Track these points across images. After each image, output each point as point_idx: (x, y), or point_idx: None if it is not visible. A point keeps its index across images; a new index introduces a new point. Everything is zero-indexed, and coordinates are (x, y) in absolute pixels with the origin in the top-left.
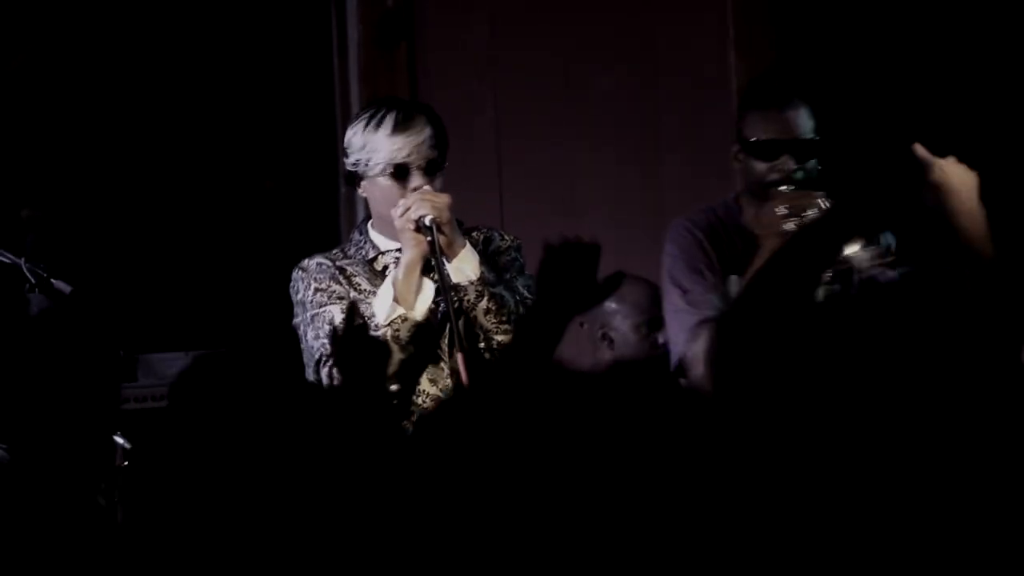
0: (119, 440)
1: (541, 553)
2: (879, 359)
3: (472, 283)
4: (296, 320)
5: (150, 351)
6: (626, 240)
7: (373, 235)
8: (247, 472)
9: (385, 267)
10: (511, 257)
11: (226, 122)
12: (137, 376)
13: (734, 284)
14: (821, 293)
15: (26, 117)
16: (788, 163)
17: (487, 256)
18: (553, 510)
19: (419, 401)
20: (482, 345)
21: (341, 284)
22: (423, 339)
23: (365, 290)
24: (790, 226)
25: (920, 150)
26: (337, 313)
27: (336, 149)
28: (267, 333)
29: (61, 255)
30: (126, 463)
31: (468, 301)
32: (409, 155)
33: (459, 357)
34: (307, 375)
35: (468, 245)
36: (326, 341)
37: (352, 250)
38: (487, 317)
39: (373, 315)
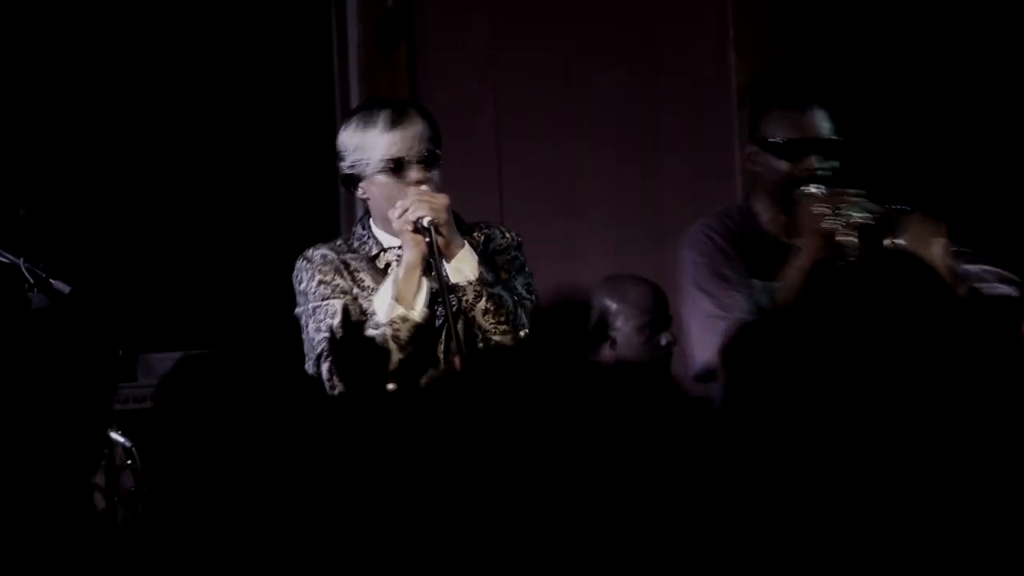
0: (120, 439)
1: (541, 553)
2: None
3: (471, 284)
4: (298, 310)
5: (150, 351)
6: (626, 240)
7: (375, 230)
8: (245, 470)
9: (387, 264)
10: (511, 256)
11: (226, 122)
12: (137, 376)
13: (758, 288)
14: None
15: (26, 117)
16: (813, 163)
17: (487, 255)
18: (553, 510)
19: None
20: (480, 345)
21: (344, 278)
22: (422, 339)
23: (368, 286)
24: (829, 225)
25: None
26: (340, 308)
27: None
28: (267, 333)
29: (60, 254)
30: (128, 462)
31: (466, 301)
32: (406, 148)
33: (456, 360)
34: (307, 366)
35: (467, 245)
36: (327, 336)
37: (356, 243)
38: (485, 318)
39: (374, 313)
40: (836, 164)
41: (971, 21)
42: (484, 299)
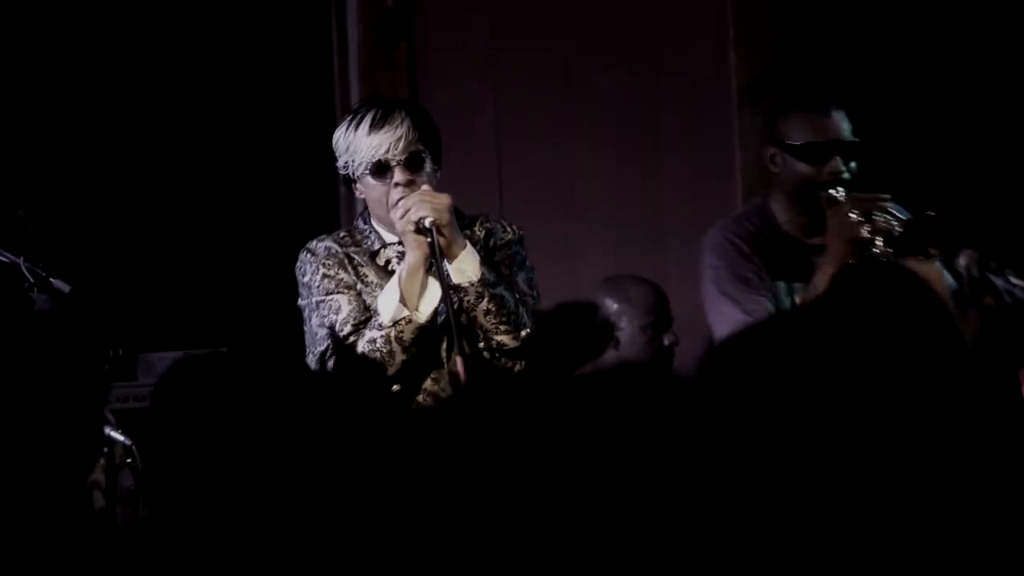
0: (120, 438)
1: (542, 552)
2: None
3: (472, 284)
4: (301, 302)
5: (150, 350)
6: (626, 240)
7: (376, 226)
8: (245, 470)
9: (388, 262)
10: (513, 251)
11: (226, 122)
12: (137, 375)
13: (781, 291)
14: None
15: (26, 117)
16: (835, 165)
17: (489, 250)
18: (554, 510)
19: (421, 400)
20: (481, 345)
21: (348, 272)
22: (426, 341)
23: (371, 282)
24: (862, 232)
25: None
26: (344, 304)
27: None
28: (267, 332)
29: (60, 253)
30: (128, 460)
31: (468, 302)
32: (387, 151)
33: (458, 361)
34: (308, 360)
35: (469, 246)
36: (331, 332)
37: (359, 237)
38: (487, 318)
39: (377, 314)
40: (855, 165)
41: (971, 21)
42: (486, 300)
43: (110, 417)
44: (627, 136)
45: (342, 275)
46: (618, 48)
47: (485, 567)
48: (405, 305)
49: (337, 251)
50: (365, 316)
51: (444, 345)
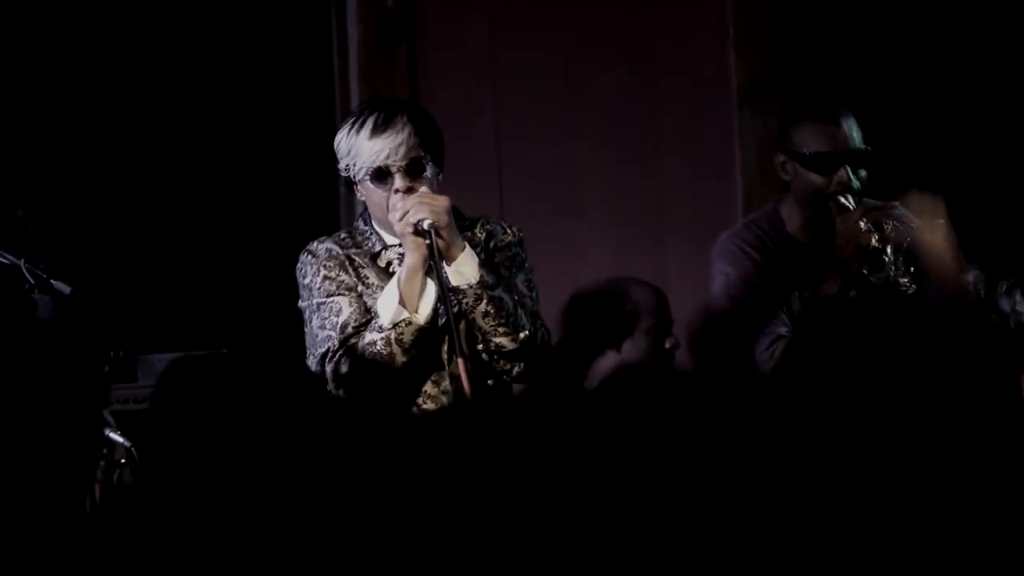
0: (119, 439)
1: (543, 552)
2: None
3: (471, 286)
4: (302, 303)
5: (150, 351)
6: (626, 240)
7: (377, 227)
8: (245, 470)
9: (389, 263)
10: (512, 252)
11: (226, 122)
12: (137, 376)
13: (796, 301)
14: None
15: (26, 117)
16: (845, 176)
17: (489, 251)
18: (555, 509)
19: (421, 402)
20: (480, 347)
21: (349, 274)
22: (426, 343)
23: (372, 283)
24: (872, 240)
25: (917, 196)
26: (345, 306)
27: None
28: (267, 333)
29: (60, 253)
30: (123, 461)
31: (467, 304)
32: (388, 157)
33: (459, 362)
34: (309, 361)
35: (467, 248)
36: (332, 334)
37: (359, 238)
38: (485, 320)
39: (377, 316)
40: (866, 173)
41: (972, 20)
42: (484, 302)
43: (109, 419)
44: (627, 136)
45: (343, 277)
46: (618, 48)
47: (482, 567)
48: (404, 307)
49: (338, 253)
50: (366, 318)
51: (445, 347)
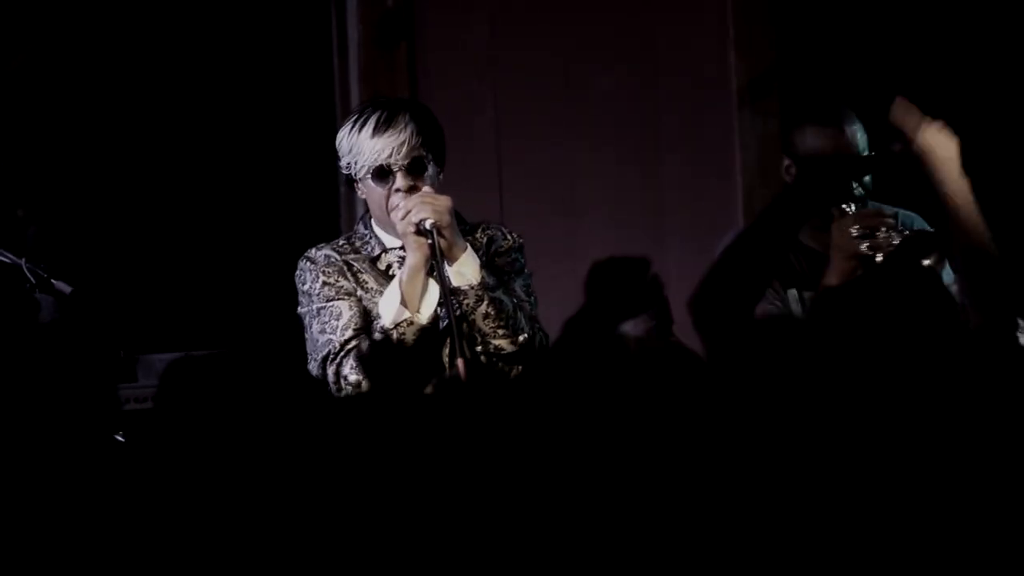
0: (119, 439)
1: (544, 553)
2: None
3: (472, 287)
4: (301, 309)
5: (150, 351)
6: (626, 240)
7: (377, 230)
8: (245, 470)
9: (389, 266)
10: (511, 258)
11: (226, 122)
12: (137, 376)
13: (792, 299)
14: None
15: (26, 117)
16: (847, 181)
17: (489, 256)
18: (556, 509)
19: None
20: (479, 349)
21: (348, 279)
22: (427, 343)
23: (371, 288)
24: (863, 247)
25: (902, 108)
26: (345, 310)
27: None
28: (267, 333)
29: (60, 254)
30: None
31: (467, 305)
32: (390, 156)
33: (459, 363)
34: (310, 367)
35: (469, 249)
36: (332, 338)
37: (358, 243)
38: (486, 321)
39: (378, 317)
40: (870, 178)
41: (972, 20)
42: (485, 303)
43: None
44: (627, 136)
45: (342, 282)
46: (618, 48)
47: (486, 566)
48: (406, 307)
49: (336, 259)
50: (366, 321)
51: (447, 350)
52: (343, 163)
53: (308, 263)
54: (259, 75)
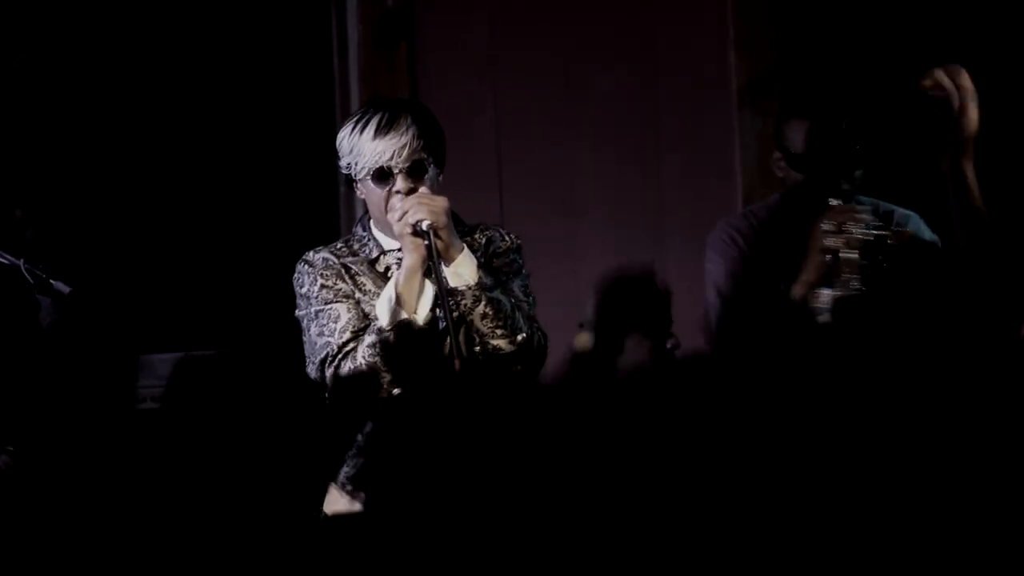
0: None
1: (544, 553)
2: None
3: (470, 288)
4: (299, 312)
5: (150, 351)
6: (626, 240)
7: (375, 232)
8: (245, 470)
9: (387, 268)
10: (510, 259)
11: (226, 122)
12: (137, 376)
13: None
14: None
15: (26, 117)
16: (830, 175)
17: (488, 257)
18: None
19: (422, 404)
20: (477, 349)
21: (346, 282)
22: (425, 344)
23: (369, 290)
24: (833, 242)
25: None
26: (343, 312)
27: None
28: (267, 333)
29: (59, 256)
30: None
31: (465, 306)
32: (391, 159)
33: (455, 364)
34: (309, 369)
35: (466, 249)
36: (330, 340)
37: (356, 246)
38: (483, 322)
39: (376, 318)
40: (858, 172)
41: (972, 20)
42: (483, 303)
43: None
44: (627, 136)
45: (340, 285)
46: (618, 48)
47: (481, 569)
48: (403, 308)
49: (334, 262)
50: (364, 324)
51: (445, 351)
52: (343, 163)
53: (306, 266)
54: (259, 75)
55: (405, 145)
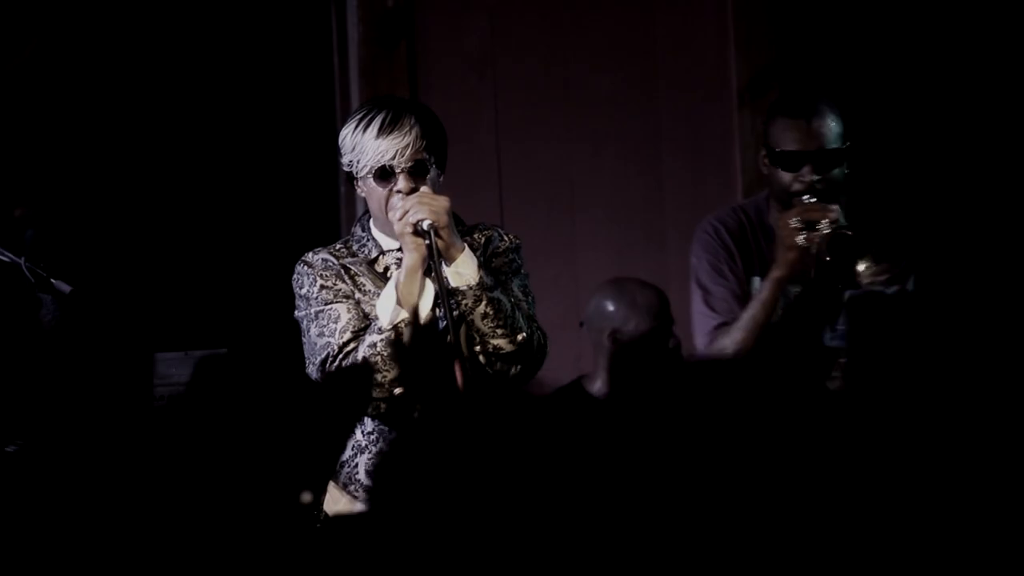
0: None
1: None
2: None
3: (470, 287)
4: (299, 313)
5: (150, 351)
6: (626, 240)
7: (375, 232)
8: (245, 470)
9: (387, 268)
10: (509, 259)
11: (226, 120)
12: (138, 376)
13: (756, 285)
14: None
15: (27, 116)
16: (806, 175)
17: (487, 256)
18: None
19: (422, 404)
20: (478, 348)
21: (346, 283)
22: (426, 343)
23: (368, 291)
24: (801, 239)
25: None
26: (343, 312)
27: (336, 148)
28: (266, 332)
29: (59, 257)
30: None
31: (466, 305)
32: (393, 157)
33: (456, 364)
34: (309, 370)
35: (467, 249)
36: (331, 340)
37: (355, 247)
38: (484, 321)
39: (376, 317)
40: (839, 172)
41: (972, 20)
42: (484, 303)
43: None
44: (627, 136)
45: (340, 285)
46: (618, 48)
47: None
48: (403, 307)
49: (333, 263)
50: (364, 324)
51: (446, 350)
52: (344, 160)
53: (305, 267)
54: (259, 73)
55: (408, 145)
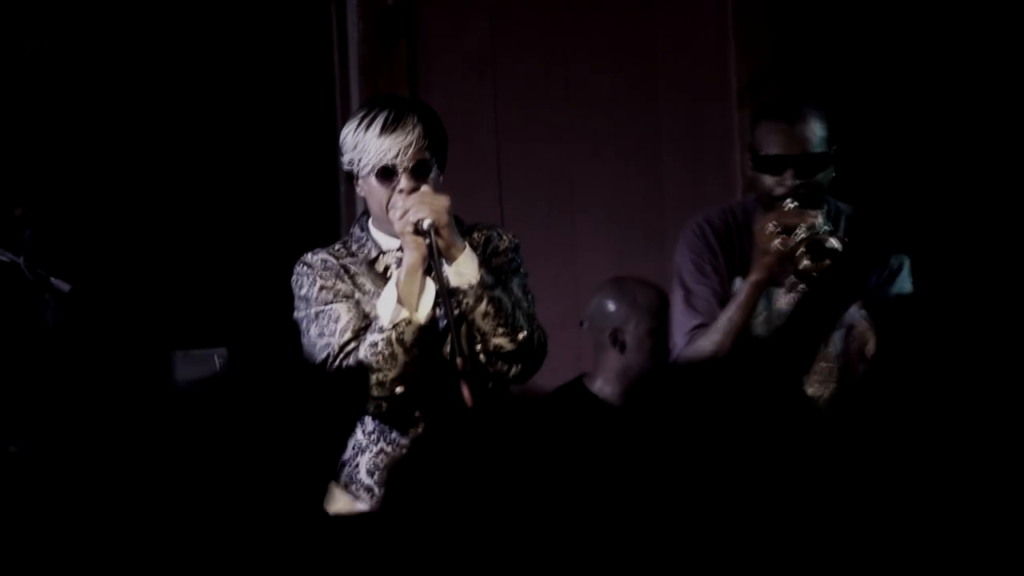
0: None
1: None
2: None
3: (471, 287)
4: (299, 314)
5: (149, 350)
6: (626, 240)
7: (374, 232)
8: (245, 470)
9: (387, 268)
10: (508, 258)
11: (227, 118)
12: (138, 375)
13: (738, 287)
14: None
15: (27, 116)
16: (788, 180)
17: (486, 256)
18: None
19: (423, 403)
20: (479, 348)
21: (346, 283)
22: (427, 342)
23: (368, 291)
24: (776, 244)
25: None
26: (343, 312)
27: (336, 146)
28: (266, 331)
29: (57, 255)
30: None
31: (467, 304)
32: (396, 157)
33: (458, 362)
34: (309, 370)
35: (467, 248)
36: (331, 341)
37: (355, 247)
38: (485, 320)
39: (377, 317)
40: (822, 176)
41: (971, 21)
42: (484, 302)
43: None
44: (627, 136)
45: (340, 285)
46: (618, 47)
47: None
48: (404, 306)
49: (333, 263)
50: (364, 324)
51: (447, 348)
52: (345, 159)
53: (305, 267)
54: (259, 71)
55: (411, 144)
